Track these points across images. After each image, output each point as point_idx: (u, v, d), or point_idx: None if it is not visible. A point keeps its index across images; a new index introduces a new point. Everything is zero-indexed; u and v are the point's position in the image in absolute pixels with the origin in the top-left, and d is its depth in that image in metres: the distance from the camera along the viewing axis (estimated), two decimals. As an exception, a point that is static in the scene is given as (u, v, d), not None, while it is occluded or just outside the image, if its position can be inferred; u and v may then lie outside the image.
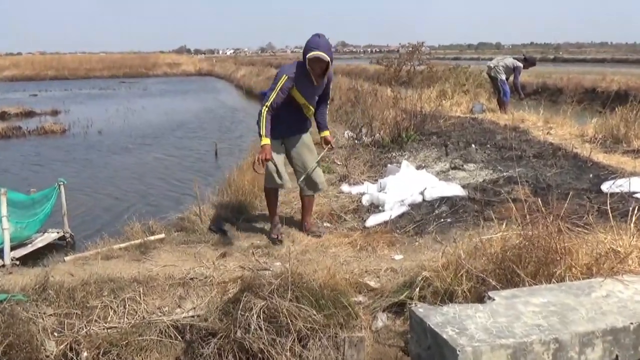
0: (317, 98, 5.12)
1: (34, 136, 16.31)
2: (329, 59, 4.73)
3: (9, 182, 8.17)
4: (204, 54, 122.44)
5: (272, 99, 4.87)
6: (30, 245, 6.26)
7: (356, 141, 9.36)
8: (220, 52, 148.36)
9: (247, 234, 5.49)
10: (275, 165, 5.08)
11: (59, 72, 49.36)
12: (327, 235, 5.29)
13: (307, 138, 5.27)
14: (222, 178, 7.87)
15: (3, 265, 5.27)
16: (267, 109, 4.87)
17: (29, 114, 21.03)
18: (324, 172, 7.51)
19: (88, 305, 4.02)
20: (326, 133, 5.30)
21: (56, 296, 4.00)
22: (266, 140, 4.81)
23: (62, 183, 6.40)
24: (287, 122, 5.06)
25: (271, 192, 5.35)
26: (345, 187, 6.78)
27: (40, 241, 6.40)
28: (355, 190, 6.62)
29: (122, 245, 5.19)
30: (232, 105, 24.66)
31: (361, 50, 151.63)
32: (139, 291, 4.17)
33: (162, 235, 5.39)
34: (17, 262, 5.55)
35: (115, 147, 14.19)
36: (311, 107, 5.11)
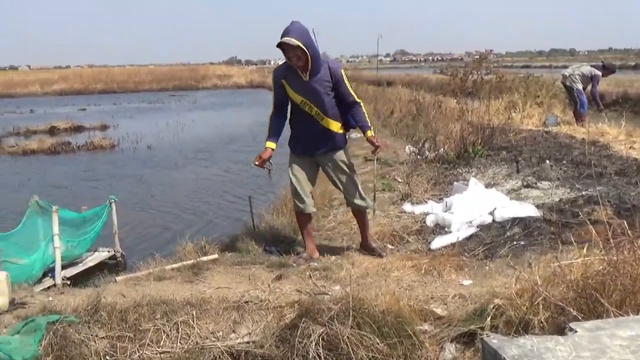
0: (322, 97, 4.88)
1: (83, 151, 16.91)
2: (297, 42, 4.57)
3: (59, 199, 8.47)
4: (255, 64, 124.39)
5: (273, 103, 5.09)
6: (81, 264, 6.48)
7: (418, 156, 9.32)
8: (272, 62, 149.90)
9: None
10: (294, 184, 5.20)
11: (107, 86, 51.07)
12: (390, 258, 5.27)
13: (339, 156, 5.15)
14: (277, 196, 7.96)
15: (54, 285, 5.47)
16: (271, 114, 5.12)
17: (78, 129, 21.83)
18: (383, 189, 7.54)
19: (140, 328, 4.12)
20: (368, 133, 5.07)
21: (108, 318, 4.11)
22: (268, 144, 5.09)
23: (113, 200, 6.61)
24: (305, 136, 5.08)
25: (298, 214, 5.38)
26: (407, 207, 6.75)
27: (91, 260, 6.62)
28: (418, 209, 6.58)
29: (175, 265, 5.29)
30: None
31: (421, 59, 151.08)
32: (192, 314, 4.24)
33: (215, 256, 5.48)
34: (68, 282, 5.76)
35: (165, 162, 14.55)
36: (314, 107, 4.91)
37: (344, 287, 4.45)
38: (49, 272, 5.98)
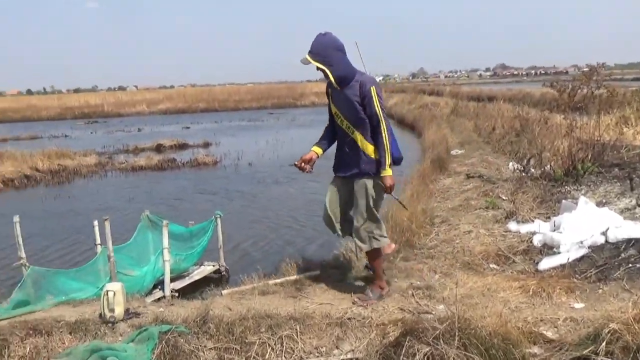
0: (351, 110, 4.61)
1: (187, 168, 17.60)
2: (309, 61, 4.47)
3: (166, 214, 8.87)
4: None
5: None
6: (187, 277, 6.74)
7: (523, 173, 9.07)
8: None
9: (405, 274, 5.50)
10: (324, 206, 5.03)
11: (209, 104, 52.93)
12: (495, 278, 5.15)
13: (362, 183, 4.72)
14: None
15: (164, 297, 5.71)
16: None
17: (183, 146, 22.75)
18: (486, 207, 7.39)
19: (246, 340, 4.25)
20: (385, 173, 4.58)
21: (216, 330, 4.27)
22: (313, 148, 4.95)
23: (218, 216, 6.84)
24: (339, 153, 4.93)
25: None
26: (512, 225, 6.58)
27: (197, 274, 6.86)
28: (524, 228, 6.41)
29: (278, 280, 5.41)
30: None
31: (523, 73, 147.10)
32: (296, 329, 4.33)
33: (318, 272, 5.55)
34: (176, 294, 6.00)
35: (266, 179, 14.90)
36: (344, 119, 4.69)
37: (448, 306, 4.39)
38: (159, 284, 6.26)
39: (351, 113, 4.61)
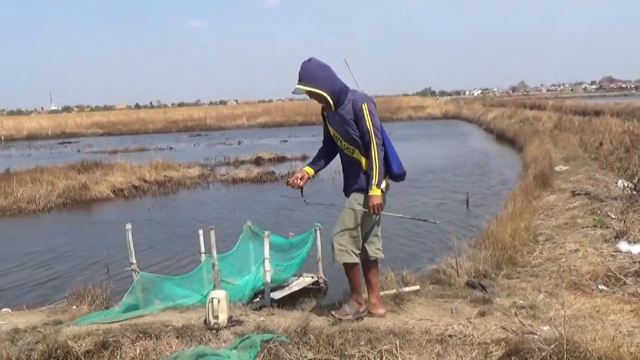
0: (346, 129, 4.54)
1: (285, 180, 17.84)
2: (302, 89, 4.44)
3: (266, 225, 9.03)
4: (450, 95, 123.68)
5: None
6: (287, 288, 6.83)
7: (634, 192, 8.63)
8: (467, 93, 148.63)
9: (508, 292, 5.37)
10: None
11: (306, 118, 53.61)
12: (604, 300, 4.92)
13: (349, 197, 4.75)
14: (476, 229, 7.82)
15: (264, 306, 5.82)
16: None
17: (281, 159, 23.15)
18: (594, 225, 7.08)
19: (346, 353, 4.25)
20: (372, 192, 4.52)
21: (316, 341, 4.30)
22: (305, 168, 4.87)
23: (317, 228, 6.91)
24: (344, 172, 4.85)
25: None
26: (623, 245, 6.28)
27: (296, 285, 6.94)
28: (636, 249, 6.10)
29: (377, 294, 5.40)
30: (482, 150, 24.41)
31: (632, 86, 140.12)
32: (396, 344, 4.30)
33: (417, 287, 5.51)
34: (276, 304, 6.10)
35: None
36: (343, 140, 4.63)
37: (555, 327, 4.24)
38: (259, 293, 6.38)
39: (348, 134, 4.55)
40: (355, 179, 4.67)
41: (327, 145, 4.91)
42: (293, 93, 4.52)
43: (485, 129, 35.03)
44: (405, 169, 4.78)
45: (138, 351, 4.35)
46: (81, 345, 4.37)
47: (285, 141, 33.13)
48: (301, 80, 4.43)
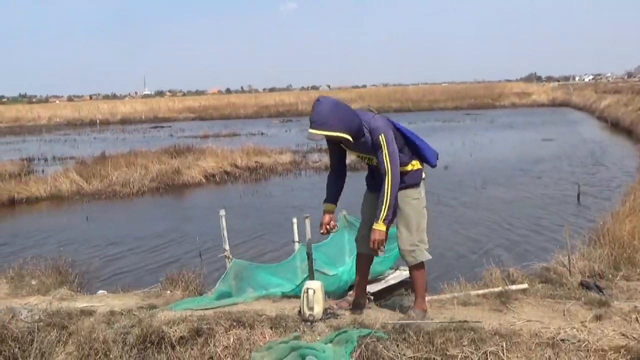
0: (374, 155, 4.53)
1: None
2: (319, 132, 4.33)
3: (357, 214, 9.02)
4: (558, 81, 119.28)
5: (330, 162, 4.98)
6: (383, 281, 6.78)
7: None
8: (577, 78, 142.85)
9: (627, 295, 5.10)
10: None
11: (402, 104, 53.32)
12: None
13: (403, 193, 4.68)
14: (590, 225, 7.51)
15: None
16: (329, 172, 4.99)
17: (375, 147, 23.08)
18: None
19: (448, 353, 4.15)
20: (376, 226, 4.51)
21: (416, 338, 4.22)
22: (325, 207, 4.84)
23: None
24: (372, 171, 4.82)
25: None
26: None
27: (393, 278, 6.88)
28: None
29: (480, 292, 5.27)
30: (595, 139, 23.43)
31: None
32: (502, 346, 4.16)
33: (525, 286, 5.33)
34: (371, 297, 6.05)
35: (464, 183, 14.67)
36: (372, 158, 4.62)
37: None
38: (353, 285, 6.34)
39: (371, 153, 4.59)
40: (402, 180, 4.60)
41: (336, 168, 4.90)
42: (308, 139, 4.46)
43: (598, 117, 33.66)
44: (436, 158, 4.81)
45: (231, 340, 4.42)
46: (175, 331, 4.49)
47: (380, 128, 33.02)
48: (316, 124, 4.35)
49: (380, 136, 4.40)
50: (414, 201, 4.67)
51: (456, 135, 26.78)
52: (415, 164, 4.67)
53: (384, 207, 4.44)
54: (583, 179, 13.85)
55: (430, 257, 4.74)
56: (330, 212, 4.80)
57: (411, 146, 4.67)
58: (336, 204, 4.86)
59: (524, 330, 4.36)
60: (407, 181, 4.63)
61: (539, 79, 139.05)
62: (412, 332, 4.30)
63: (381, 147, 4.41)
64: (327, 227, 4.77)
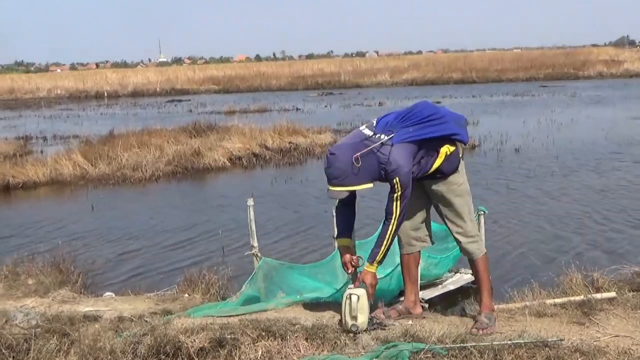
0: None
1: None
2: (340, 189, 4.57)
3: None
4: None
5: None
6: (440, 286, 6.77)
7: None
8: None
9: None
10: None
11: (465, 75, 52.85)
12: None
13: (447, 185, 4.99)
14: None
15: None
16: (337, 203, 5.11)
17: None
18: None
19: (516, 375, 4.13)
20: (368, 267, 4.83)
21: (480, 355, 4.20)
22: (339, 242, 5.08)
23: (482, 212, 6.74)
24: None
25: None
26: None
27: (452, 283, 6.86)
28: None
29: (558, 300, 5.25)
30: None
31: None
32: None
33: (613, 294, 5.27)
34: (426, 305, 6.03)
35: (539, 169, 14.50)
36: None
37: None
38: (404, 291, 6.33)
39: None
40: (439, 171, 4.86)
41: (345, 204, 5.00)
42: (330, 197, 4.76)
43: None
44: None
45: (260, 353, 4.46)
46: (194, 341, 4.54)
47: (438, 102, 32.73)
48: (337, 181, 4.58)
49: (396, 179, 4.60)
50: (460, 187, 4.93)
51: (530, 112, 26.48)
52: (449, 148, 4.80)
53: (382, 249, 4.76)
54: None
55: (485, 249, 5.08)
56: (347, 248, 5.00)
57: (437, 138, 4.76)
58: (351, 237, 5.06)
59: (610, 347, 4.34)
60: (446, 169, 4.84)
61: (632, 43, 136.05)
62: (475, 347, 4.28)
63: (394, 190, 4.65)
64: (350, 265, 4.95)
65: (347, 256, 4.93)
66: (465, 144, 4.94)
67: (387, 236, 4.72)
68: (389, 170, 4.57)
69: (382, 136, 4.59)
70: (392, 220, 4.69)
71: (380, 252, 4.75)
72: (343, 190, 4.59)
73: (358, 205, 5.05)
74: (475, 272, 5.10)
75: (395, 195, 4.63)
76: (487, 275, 5.02)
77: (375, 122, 4.78)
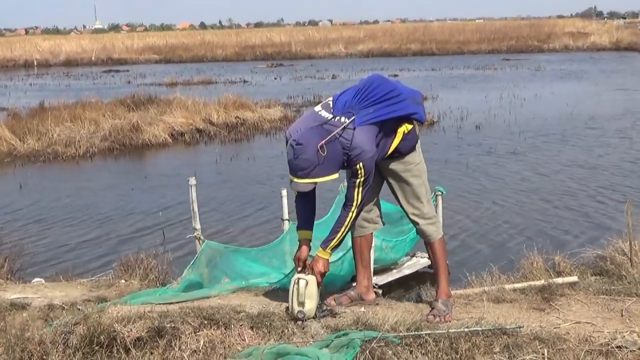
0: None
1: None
2: (303, 182, 4.51)
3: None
4: (624, 18, 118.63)
5: None
6: (396, 271, 6.83)
7: None
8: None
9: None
10: None
11: (424, 46, 53.13)
12: None
13: (403, 165, 5.03)
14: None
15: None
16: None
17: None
18: None
19: (476, 362, 4.19)
20: (321, 253, 4.82)
21: (435, 344, 4.25)
22: (302, 235, 4.98)
23: (440, 193, 6.82)
24: None
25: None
26: None
27: (408, 267, 6.92)
28: None
29: (518, 285, 5.31)
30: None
31: None
32: (543, 354, 4.19)
33: (575, 279, 5.36)
34: (380, 290, 6.09)
35: (500, 147, 14.70)
36: None
37: None
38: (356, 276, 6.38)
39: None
40: (396, 150, 4.85)
41: (305, 194, 4.89)
42: (294, 190, 4.65)
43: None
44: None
45: (202, 342, 4.43)
46: (131, 330, 4.48)
47: (396, 75, 32.85)
48: (303, 173, 4.50)
49: (359, 164, 4.57)
50: (417, 167, 4.95)
51: (492, 87, 26.79)
52: (407, 127, 4.81)
53: (338, 236, 4.76)
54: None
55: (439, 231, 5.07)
56: (307, 241, 4.93)
57: (396, 118, 4.76)
58: (312, 229, 5.00)
59: (571, 334, 4.39)
60: (404, 149, 4.85)
61: (599, 15, 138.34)
62: (430, 335, 4.32)
63: (356, 176, 4.62)
64: (304, 262, 4.86)
65: (305, 252, 4.86)
66: (422, 123, 4.99)
67: (345, 223, 4.72)
68: (353, 156, 4.53)
69: (343, 119, 4.54)
70: (352, 208, 4.69)
71: (336, 238, 4.74)
72: (310, 182, 4.53)
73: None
74: (432, 256, 5.10)
75: (358, 181, 4.61)
76: (444, 260, 5.04)
77: (331, 102, 4.73)
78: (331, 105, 4.70)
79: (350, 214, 4.71)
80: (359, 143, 4.52)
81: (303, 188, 4.57)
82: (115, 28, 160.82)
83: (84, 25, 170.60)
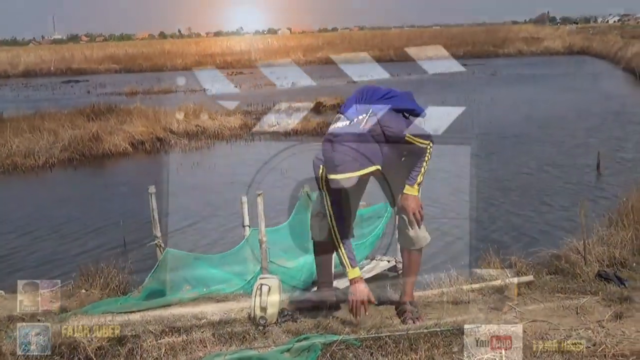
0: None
1: (354, 133, 17.83)
2: (354, 175, 4.40)
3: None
4: (576, 23, 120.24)
5: None
6: (355, 274, 6.81)
7: None
8: (600, 20, 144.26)
9: (652, 288, 5.23)
10: None
11: (382, 53, 53.32)
12: None
13: None
14: (611, 202, 7.65)
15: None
16: None
17: (347, 106, 23.06)
18: None
19: (434, 362, 4.22)
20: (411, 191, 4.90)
21: (395, 345, 4.27)
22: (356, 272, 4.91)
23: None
24: None
25: None
26: None
27: (368, 270, 6.92)
28: None
29: (475, 286, 5.35)
30: (618, 97, 23.76)
31: None
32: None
33: (530, 278, 5.42)
34: (341, 294, 6.09)
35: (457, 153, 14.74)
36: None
37: None
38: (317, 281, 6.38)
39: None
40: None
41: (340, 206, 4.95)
42: (335, 188, 4.57)
43: (623, 68, 34.08)
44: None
45: (163, 350, 4.41)
46: (92, 340, 4.46)
47: (355, 82, 32.90)
48: (341, 167, 4.40)
49: (409, 137, 4.63)
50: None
51: (449, 92, 26.91)
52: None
53: (422, 170, 4.83)
54: (604, 145, 14.04)
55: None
56: (362, 280, 4.90)
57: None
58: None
59: (527, 332, 4.45)
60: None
61: (552, 20, 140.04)
62: (390, 337, 4.34)
63: (414, 142, 4.67)
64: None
65: (366, 294, 4.78)
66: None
67: (426, 158, 4.79)
68: (392, 135, 4.57)
69: (361, 117, 4.54)
70: (429, 150, 4.77)
71: (421, 173, 4.83)
72: (355, 175, 4.41)
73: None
74: (411, 262, 5.04)
75: (417, 142, 4.68)
76: (419, 266, 5.08)
77: (341, 115, 4.68)
78: (344, 117, 4.64)
79: (429, 153, 4.78)
80: (387, 123, 4.57)
81: (345, 184, 4.43)
82: (74, 38, 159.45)
83: (42, 36, 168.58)
